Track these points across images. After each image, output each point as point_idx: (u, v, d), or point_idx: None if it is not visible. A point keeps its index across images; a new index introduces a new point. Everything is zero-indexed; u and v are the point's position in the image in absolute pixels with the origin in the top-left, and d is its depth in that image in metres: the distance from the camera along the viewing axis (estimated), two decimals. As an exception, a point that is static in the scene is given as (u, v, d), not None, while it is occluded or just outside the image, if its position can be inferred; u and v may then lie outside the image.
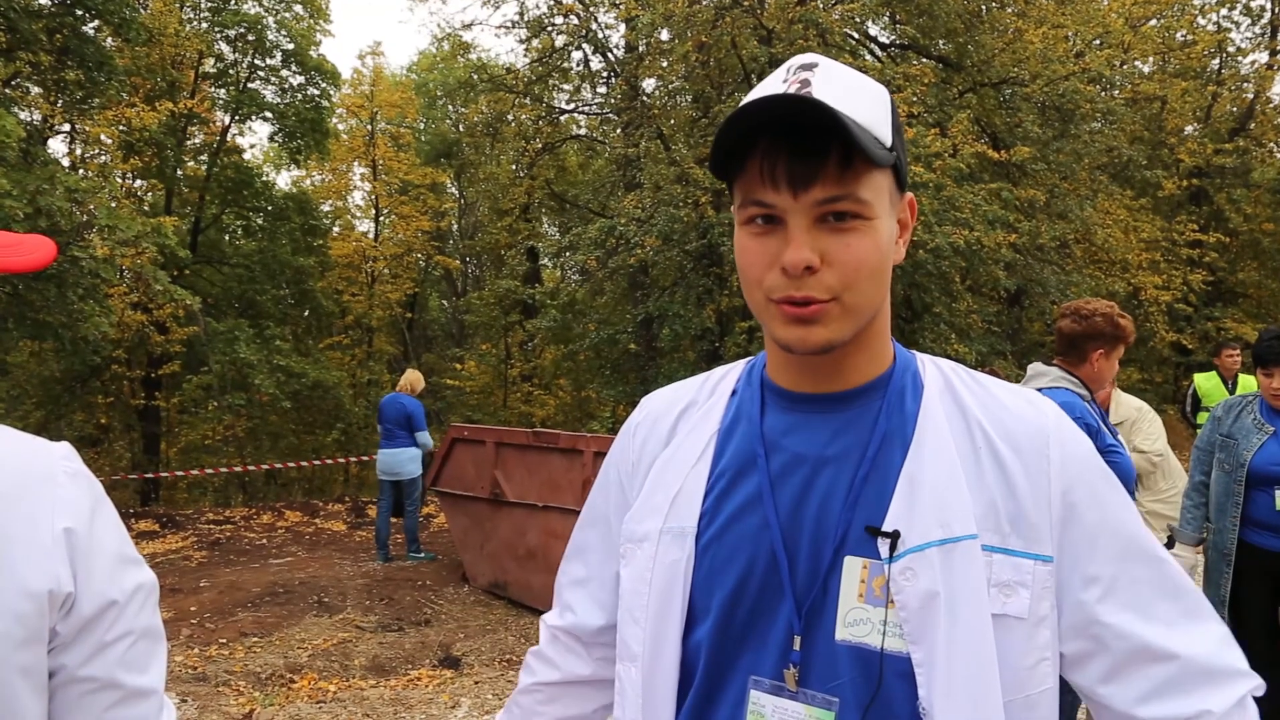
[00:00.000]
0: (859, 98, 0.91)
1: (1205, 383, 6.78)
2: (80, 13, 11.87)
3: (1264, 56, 18.14)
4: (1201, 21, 18.23)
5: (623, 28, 14.70)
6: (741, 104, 0.87)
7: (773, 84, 0.93)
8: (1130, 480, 3.02)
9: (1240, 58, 18.39)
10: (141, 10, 14.11)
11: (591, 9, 14.80)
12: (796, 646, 0.92)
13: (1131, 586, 0.93)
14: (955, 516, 0.90)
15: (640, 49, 13.90)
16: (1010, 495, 0.91)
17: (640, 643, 1.00)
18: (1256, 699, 0.94)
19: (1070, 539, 0.92)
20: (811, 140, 0.87)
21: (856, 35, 13.71)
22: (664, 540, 1.00)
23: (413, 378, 8.81)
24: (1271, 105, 17.97)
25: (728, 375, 1.10)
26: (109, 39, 13.21)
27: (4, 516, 0.96)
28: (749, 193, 0.91)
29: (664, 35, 12.98)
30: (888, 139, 0.91)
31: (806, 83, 0.91)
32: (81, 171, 14.46)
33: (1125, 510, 0.95)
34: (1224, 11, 18.24)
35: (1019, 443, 0.93)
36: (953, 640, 0.87)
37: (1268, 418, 3.44)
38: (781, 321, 0.91)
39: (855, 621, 0.91)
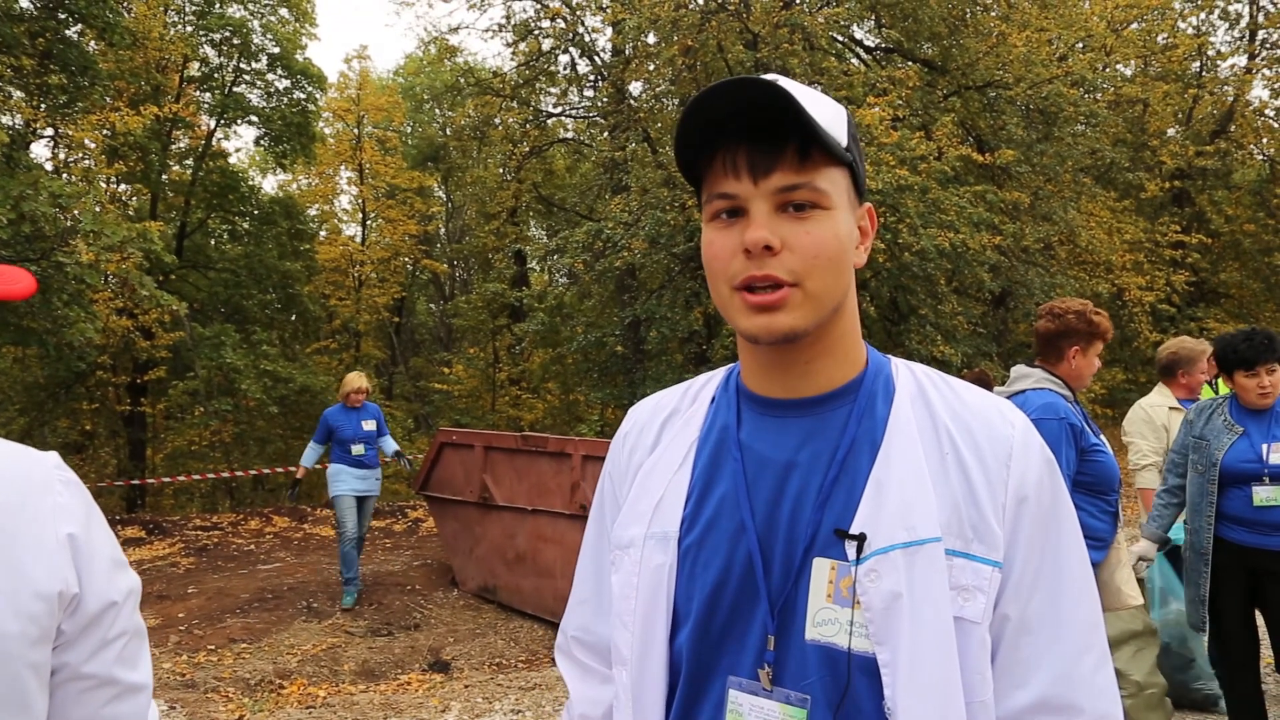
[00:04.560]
0: (820, 101, 0.96)
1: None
2: (63, 16, 11.80)
3: (1243, 60, 18.32)
4: (1182, 25, 18.39)
5: (609, 31, 14.72)
6: (703, 91, 0.91)
7: None
8: (1114, 478, 3.07)
9: (1220, 61, 18.57)
10: (125, 14, 14.02)
11: (578, 13, 14.81)
12: (770, 646, 0.95)
13: (1048, 604, 0.95)
14: (920, 520, 0.92)
15: (627, 52, 13.93)
16: (972, 501, 0.94)
17: (629, 647, 1.02)
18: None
19: (1013, 548, 0.94)
20: (771, 130, 0.91)
21: (841, 39, 13.78)
22: (648, 545, 1.02)
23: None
24: (1251, 108, 18.13)
25: (709, 383, 1.12)
26: (92, 43, 13.14)
27: (11, 524, 1.01)
28: (714, 187, 0.95)
29: (650, 39, 13.00)
30: (844, 141, 0.96)
31: None
32: (65, 176, 14.36)
33: (1070, 537, 0.98)
34: (1203, 16, 18.42)
35: (983, 450, 0.95)
36: (916, 641, 0.89)
37: (1237, 418, 3.52)
38: (745, 312, 0.94)
39: (824, 621, 0.93)
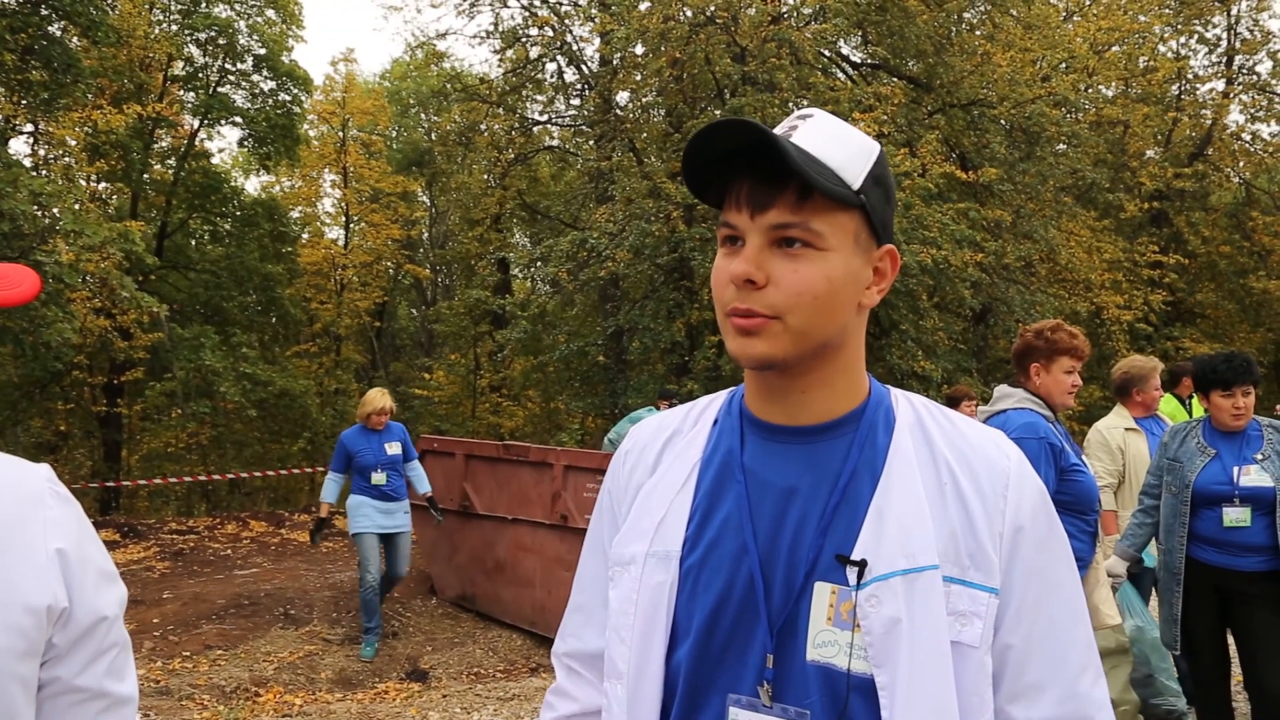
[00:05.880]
0: (839, 144, 0.98)
1: (1164, 406, 6.93)
2: (46, 12, 11.70)
3: (1221, 84, 18.63)
4: (1162, 49, 18.69)
5: (597, 41, 14.77)
6: (704, 128, 0.94)
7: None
8: (1094, 498, 3.11)
9: (1199, 85, 18.89)
10: (110, 11, 13.92)
11: (566, 21, 14.86)
12: (769, 665, 0.97)
13: (1049, 628, 0.99)
14: (919, 548, 0.95)
15: (615, 63, 13.98)
16: (970, 530, 0.97)
17: (626, 661, 1.04)
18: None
19: (1011, 576, 0.97)
20: (773, 169, 0.94)
21: (828, 54, 13.89)
22: (649, 563, 1.04)
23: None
24: (1228, 132, 18.43)
25: (710, 405, 1.15)
26: (75, 39, 13.04)
27: (1, 536, 1.01)
28: (724, 215, 0.99)
29: (638, 49, 13.06)
30: (856, 183, 0.97)
31: (794, 128, 0.98)
32: (45, 174, 14.23)
33: (1064, 562, 1.01)
34: (1183, 39, 18.73)
35: (980, 481, 0.99)
36: (914, 664, 0.92)
37: (1210, 440, 3.58)
38: (732, 334, 0.98)
39: (824, 643, 0.96)
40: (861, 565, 0.95)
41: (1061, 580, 1.00)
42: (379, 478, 6.30)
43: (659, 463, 1.12)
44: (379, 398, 6.47)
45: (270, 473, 15.54)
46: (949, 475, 0.99)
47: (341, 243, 20.89)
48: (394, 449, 6.40)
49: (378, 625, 6.40)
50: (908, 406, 1.06)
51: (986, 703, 0.95)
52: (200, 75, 17.07)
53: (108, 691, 1.08)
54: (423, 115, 23.76)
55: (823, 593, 0.96)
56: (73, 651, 1.05)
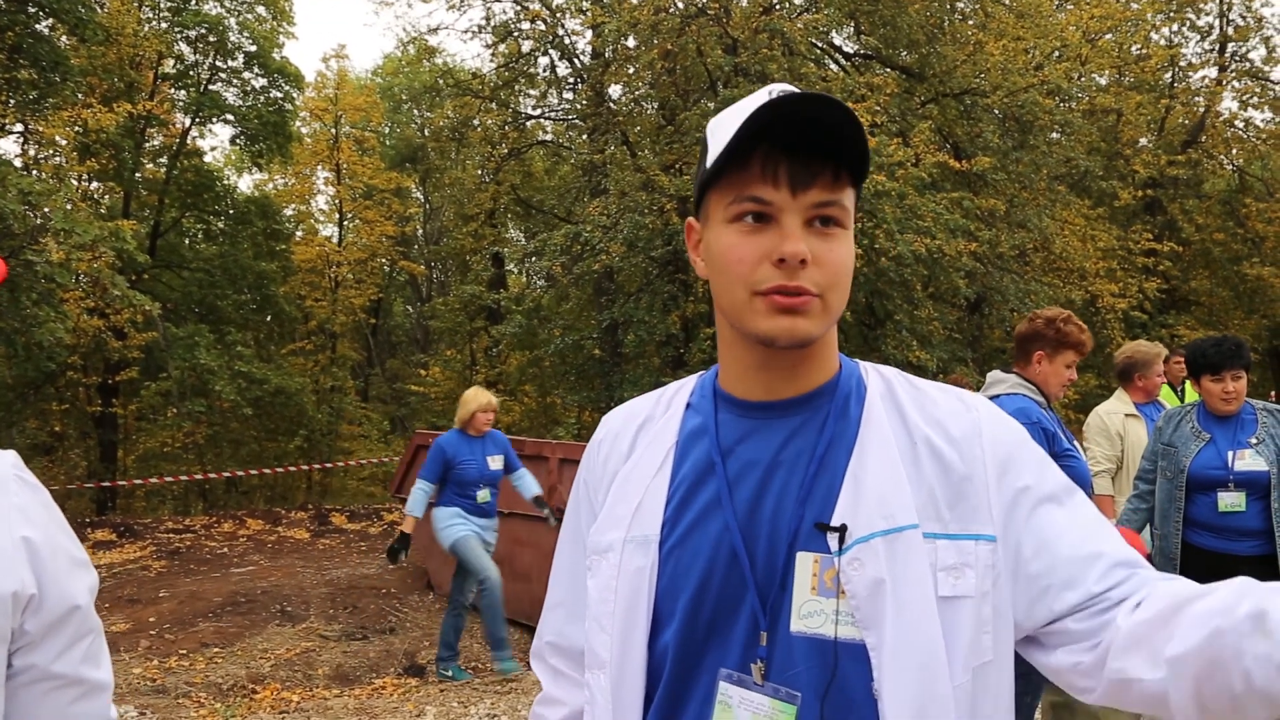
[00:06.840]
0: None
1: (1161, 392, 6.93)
2: (34, 10, 11.65)
3: (1213, 72, 18.62)
4: (1155, 37, 18.66)
5: (589, 34, 14.72)
6: (769, 99, 0.93)
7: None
8: (1086, 483, 3.11)
9: (1191, 73, 18.87)
10: (98, 9, 13.86)
11: (558, 15, 14.80)
12: (763, 642, 0.97)
13: (1069, 516, 0.99)
14: (897, 509, 0.95)
15: (607, 56, 13.93)
16: (947, 483, 0.98)
17: (608, 649, 1.03)
18: None
19: (1012, 518, 0.98)
20: (817, 146, 0.95)
21: (820, 44, 13.86)
22: (628, 549, 1.04)
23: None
24: (1221, 119, 18.42)
25: (681, 389, 1.14)
26: (64, 38, 12.97)
27: None
28: (745, 189, 0.96)
29: (630, 42, 13.02)
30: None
31: None
32: (35, 173, 14.17)
33: (1058, 485, 1.01)
34: (1175, 28, 18.71)
35: (953, 435, 1.00)
36: (900, 623, 0.92)
37: (1204, 425, 3.58)
38: (769, 314, 0.96)
39: (809, 614, 0.96)
40: (842, 531, 0.95)
41: (1058, 497, 1.00)
42: (484, 495, 5.53)
43: (633, 449, 1.11)
44: (483, 394, 5.63)
45: (266, 471, 15.53)
46: (921, 436, 1.00)
47: (335, 240, 20.86)
48: (496, 464, 5.61)
49: (457, 652, 5.79)
50: (877, 377, 1.07)
51: (986, 649, 0.94)
52: (191, 73, 17.02)
53: (84, 678, 1.07)
54: (415, 111, 23.71)
55: (805, 563, 0.96)
56: (47, 638, 1.04)
